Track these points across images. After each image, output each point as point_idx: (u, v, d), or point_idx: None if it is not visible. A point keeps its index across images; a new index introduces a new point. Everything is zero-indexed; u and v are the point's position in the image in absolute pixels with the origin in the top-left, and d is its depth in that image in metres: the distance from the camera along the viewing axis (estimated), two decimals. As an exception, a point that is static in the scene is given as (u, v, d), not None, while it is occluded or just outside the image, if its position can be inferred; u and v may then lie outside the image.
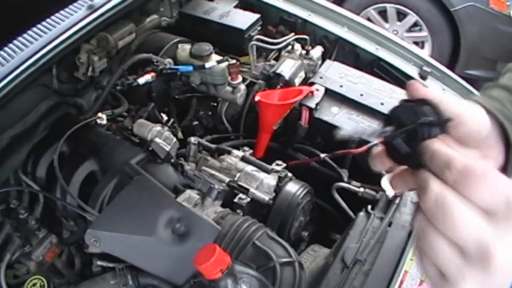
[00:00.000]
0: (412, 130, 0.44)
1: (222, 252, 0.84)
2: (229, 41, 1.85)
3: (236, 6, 2.02)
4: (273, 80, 1.75)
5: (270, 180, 1.36)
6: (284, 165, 1.43)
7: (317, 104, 1.63)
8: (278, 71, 1.73)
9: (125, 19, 1.69)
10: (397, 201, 1.27)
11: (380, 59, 1.84)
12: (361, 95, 1.66)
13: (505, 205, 0.37)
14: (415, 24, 3.16)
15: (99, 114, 1.42)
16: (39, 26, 1.40)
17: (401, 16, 3.18)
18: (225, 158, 1.48)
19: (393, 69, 1.82)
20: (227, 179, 1.37)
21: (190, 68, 1.63)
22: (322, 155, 1.57)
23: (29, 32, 1.38)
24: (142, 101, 1.64)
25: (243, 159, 1.46)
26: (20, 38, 1.35)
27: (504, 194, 0.37)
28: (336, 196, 1.48)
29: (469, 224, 0.38)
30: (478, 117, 0.50)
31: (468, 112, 0.49)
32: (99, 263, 1.14)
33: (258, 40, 1.80)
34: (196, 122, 1.81)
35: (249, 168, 1.42)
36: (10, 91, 1.29)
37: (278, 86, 1.72)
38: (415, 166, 0.44)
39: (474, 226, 0.38)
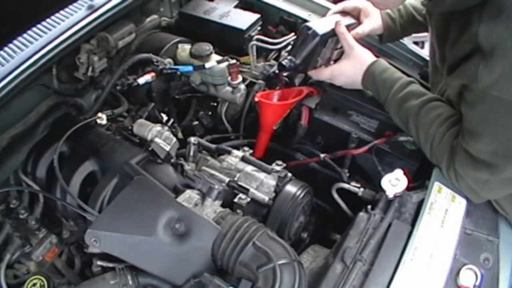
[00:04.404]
0: None
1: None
2: (229, 41, 1.85)
3: (236, 6, 2.01)
4: (273, 80, 1.75)
5: (270, 180, 1.36)
6: (284, 165, 1.43)
7: (317, 104, 1.63)
8: (278, 71, 1.73)
9: (125, 19, 1.69)
10: (397, 201, 1.27)
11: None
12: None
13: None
14: (415, 24, 3.16)
15: (99, 114, 1.41)
16: (39, 26, 1.40)
17: (401, 16, 3.17)
18: (225, 158, 1.48)
19: (393, 69, 1.81)
20: (227, 179, 1.37)
21: (190, 68, 1.63)
22: (322, 155, 1.57)
23: (29, 32, 1.38)
24: (142, 101, 1.64)
25: (243, 159, 1.46)
26: (20, 38, 1.36)
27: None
28: (336, 196, 1.48)
29: None
30: None
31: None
32: (99, 263, 1.14)
33: (258, 40, 1.80)
34: (196, 122, 1.81)
35: (249, 168, 1.41)
36: (10, 91, 1.29)
37: (278, 86, 1.72)
38: None
39: None
